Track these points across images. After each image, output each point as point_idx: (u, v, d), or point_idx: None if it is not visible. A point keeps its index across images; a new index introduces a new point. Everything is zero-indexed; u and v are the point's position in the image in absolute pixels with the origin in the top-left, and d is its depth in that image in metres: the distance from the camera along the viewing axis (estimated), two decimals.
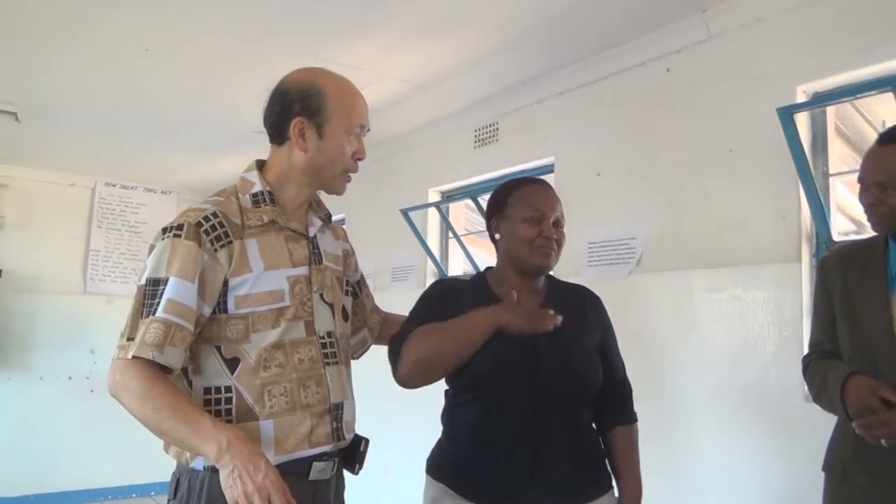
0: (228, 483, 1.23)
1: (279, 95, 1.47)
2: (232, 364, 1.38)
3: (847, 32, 2.06)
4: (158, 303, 1.30)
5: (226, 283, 1.37)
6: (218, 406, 1.37)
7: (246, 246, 1.40)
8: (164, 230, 1.38)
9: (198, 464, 1.35)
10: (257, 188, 1.47)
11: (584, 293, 1.73)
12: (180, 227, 1.36)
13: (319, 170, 1.48)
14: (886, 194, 1.48)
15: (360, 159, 1.51)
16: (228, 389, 1.38)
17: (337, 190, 1.53)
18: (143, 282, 1.35)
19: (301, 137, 1.44)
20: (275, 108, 1.47)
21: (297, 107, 1.44)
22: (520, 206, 1.62)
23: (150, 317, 1.30)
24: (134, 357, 1.27)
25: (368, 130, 1.53)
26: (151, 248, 1.39)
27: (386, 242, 4.09)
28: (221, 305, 1.38)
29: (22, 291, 5.12)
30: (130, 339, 1.30)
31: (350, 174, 1.53)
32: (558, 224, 1.62)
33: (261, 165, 1.53)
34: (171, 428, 1.28)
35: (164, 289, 1.31)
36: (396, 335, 1.60)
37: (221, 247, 1.37)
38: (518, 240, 1.60)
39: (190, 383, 1.40)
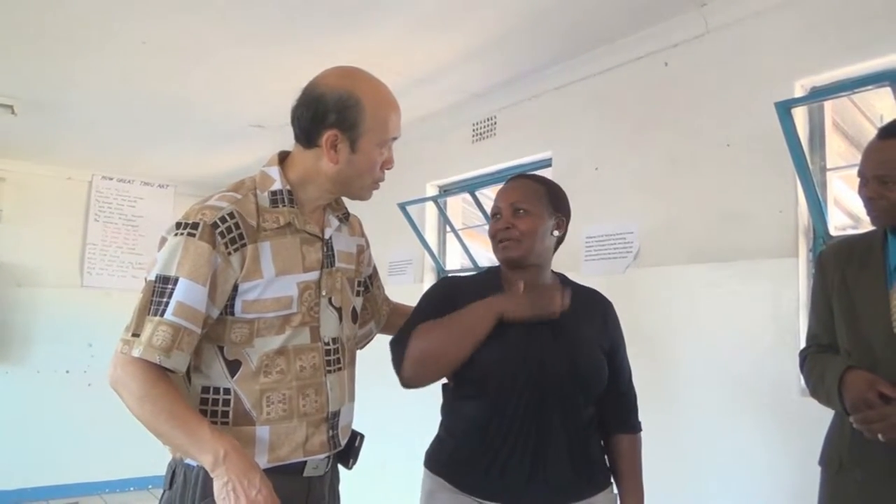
0: (222, 495, 1.23)
1: (313, 100, 1.38)
2: (233, 367, 1.37)
3: (845, 27, 2.06)
4: (168, 303, 1.28)
5: (236, 287, 1.34)
6: (215, 407, 1.36)
7: (259, 250, 1.36)
8: (179, 225, 1.33)
9: (191, 461, 1.35)
10: (277, 186, 1.42)
11: (598, 297, 1.72)
12: (196, 225, 1.31)
13: (347, 181, 1.44)
14: (886, 188, 1.48)
15: (388, 169, 1.48)
16: (227, 392, 1.36)
17: (363, 198, 1.50)
18: (152, 277, 1.32)
19: (333, 149, 1.38)
20: (307, 111, 1.39)
21: (332, 117, 1.36)
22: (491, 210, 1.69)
23: (159, 317, 1.27)
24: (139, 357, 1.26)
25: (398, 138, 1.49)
26: (163, 240, 1.35)
27: (383, 237, 4.06)
28: (229, 308, 1.35)
29: (19, 285, 5.12)
30: (136, 334, 1.28)
31: (379, 183, 1.49)
32: (516, 207, 1.59)
33: (283, 157, 1.47)
34: (169, 432, 1.28)
35: (173, 289, 1.29)
36: (396, 337, 1.60)
37: (235, 250, 1.33)
38: (490, 239, 1.66)
39: (189, 379, 1.38)
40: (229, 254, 1.32)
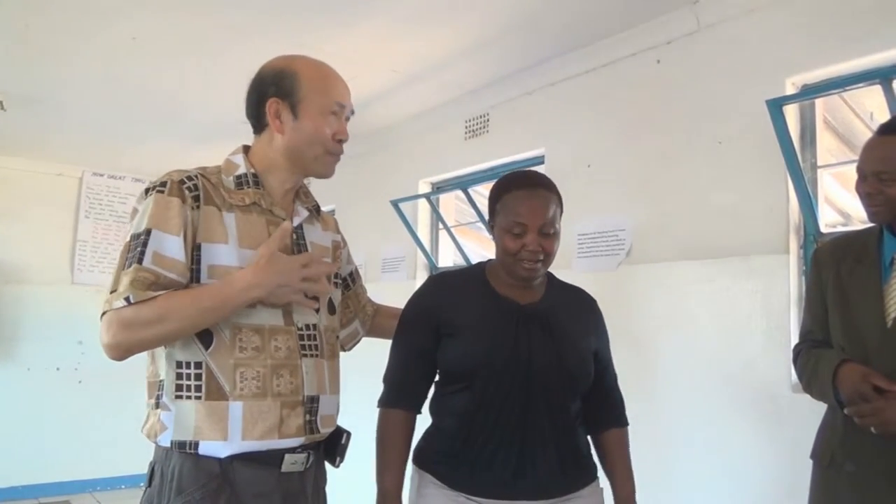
0: (284, 298, 1.36)
1: (255, 83, 1.48)
2: (205, 339, 1.34)
3: (836, 25, 2.07)
4: (143, 252, 1.29)
5: (199, 247, 1.35)
6: (188, 381, 1.34)
7: (223, 217, 1.38)
8: (147, 190, 1.37)
9: (164, 440, 1.33)
10: (241, 170, 1.45)
11: (584, 296, 1.72)
12: (163, 184, 1.35)
13: (299, 151, 1.45)
14: (884, 184, 1.48)
15: (341, 140, 1.48)
16: (199, 366, 1.34)
17: (323, 172, 1.50)
18: (127, 238, 1.33)
19: (277, 119, 1.43)
20: (252, 95, 1.48)
21: (272, 90, 1.44)
22: (505, 216, 1.54)
23: (136, 264, 1.27)
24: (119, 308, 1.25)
25: (353, 113, 1.51)
26: (135, 211, 1.37)
27: (376, 234, 4.08)
28: (195, 273, 1.35)
29: (9, 282, 5.08)
30: (114, 290, 1.27)
31: (335, 155, 1.49)
32: (545, 231, 1.52)
33: (247, 151, 1.52)
34: (198, 322, 1.30)
35: (146, 239, 1.30)
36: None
37: (198, 207, 1.36)
38: (504, 251, 1.56)
39: (162, 355, 1.36)
40: (195, 208, 1.35)
